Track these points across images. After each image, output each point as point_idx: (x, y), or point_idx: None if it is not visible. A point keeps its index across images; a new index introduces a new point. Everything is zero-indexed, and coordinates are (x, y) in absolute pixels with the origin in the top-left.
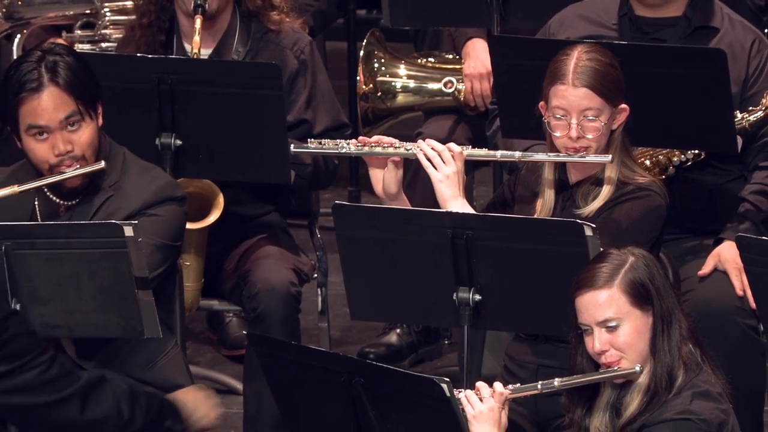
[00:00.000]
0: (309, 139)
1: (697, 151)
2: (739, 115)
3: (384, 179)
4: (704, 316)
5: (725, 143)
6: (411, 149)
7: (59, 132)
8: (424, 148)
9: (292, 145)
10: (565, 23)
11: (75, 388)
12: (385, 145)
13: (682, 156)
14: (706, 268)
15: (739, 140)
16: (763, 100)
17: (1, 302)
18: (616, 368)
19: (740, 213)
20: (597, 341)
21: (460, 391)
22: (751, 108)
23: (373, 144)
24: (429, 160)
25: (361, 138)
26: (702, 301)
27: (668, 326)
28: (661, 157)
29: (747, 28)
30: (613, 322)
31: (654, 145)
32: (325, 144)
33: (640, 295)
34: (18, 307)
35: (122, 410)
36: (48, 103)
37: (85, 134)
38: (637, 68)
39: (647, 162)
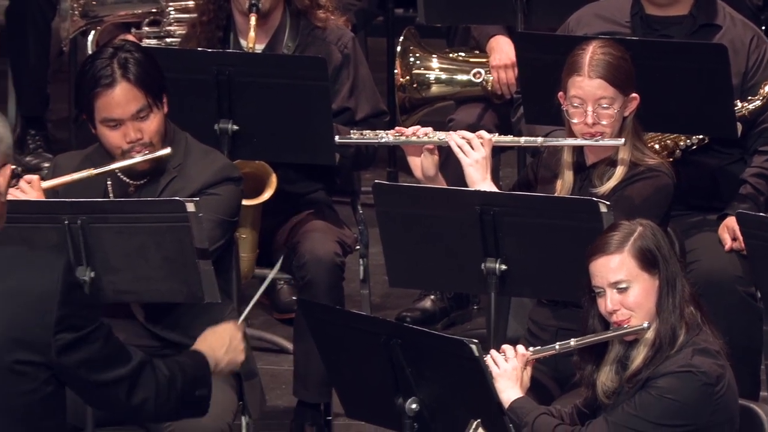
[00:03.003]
0: (351, 130)
1: (701, 136)
2: (740, 104)
3: (422, 164)
4: (708, 283)
5: (726, 129)
6: (443, 137)
7: (130, 122)
8: (455, 137)
9: (337, 137)
10: (582, 21)
11: (126, 371)
12: (420, 134)
13: (688, 140)
14: (728, 244)
15: (739, 126)
16: (761, 91)
17: (68, 274)
18: (626, 326)
19: (742, 194)
20: (609, 302)
21: (486, 354)
22: (750, 97)
23: (409, 134)
24: (460, 147)
25: (398, 128)
26: (705, 270)
27: (672, 289)
28: (669, 141)
29: (747, 25)
30: (624, 284)
31: (662, 131)
32: (366, 134)
33: (647, 260)
34: (93, 275)
35: (160, 396)
36: (120, 98)
37: (153, 123)
38: (647, 61)
39: (656, 146)
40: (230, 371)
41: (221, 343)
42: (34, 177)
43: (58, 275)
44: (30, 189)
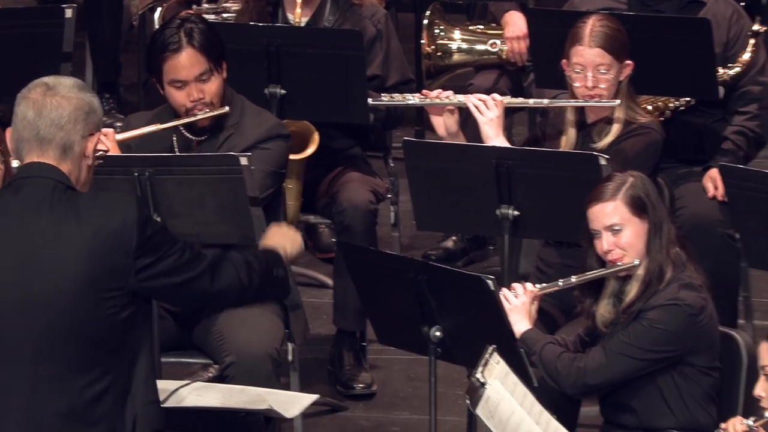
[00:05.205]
0: (382, 94)
1: (687, 99)
2: (721, 71)
3: (446, 122)
4: (693, 226)
5: (710, 92)
6: (462, 99)
7: (194, 83)
8: (472, 99)
9: (370, 99)
10: None
11: (204, 266)
12: (442, 97)
13: (676, 102)
14: (711, 192)
15: (721, 90)
16: (740, 59)
17: (142, 210)
18: (619, 264)
19: (723, 149)
20: (605, 243)
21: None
22: (730, 64)
23: (432, 97)
24: (476, 107)
25: (424, 91)
26: (691, 215)
27: (660, 231)
28: (660, 103)
29: (728, 2)
30: (617, 227)
31: (654, 94)
32: (396, 97)
33: (637, 206)
34: (159, 219)
35: (242, 278)
36: (186, 62)
37: (213, 85)
38: (640, 33)
39: (649, 107)
40: (298, 256)
41: (279, 236)
42: (110, 130)
43: (132, 208)
44: (106, 140)
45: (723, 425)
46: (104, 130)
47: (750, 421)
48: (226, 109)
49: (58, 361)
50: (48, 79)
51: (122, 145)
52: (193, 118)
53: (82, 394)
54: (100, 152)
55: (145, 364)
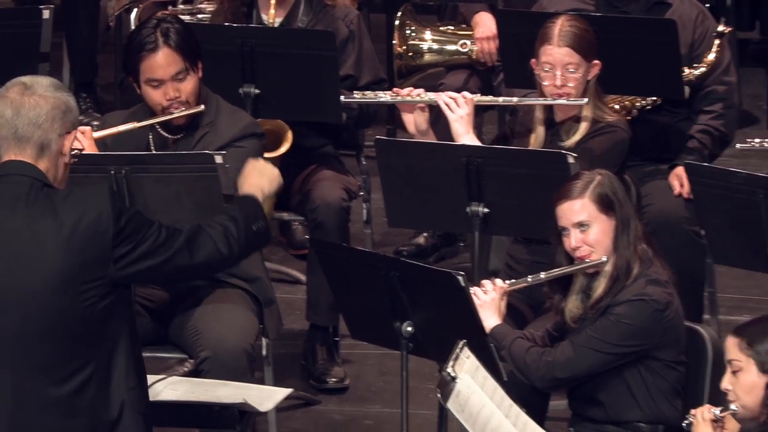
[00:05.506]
0: (355, 92)
1: (654, 98)
2: (687, 71)
3: (415, 120)
4: (659, 223)
5: (676, 92)
6: (433, 97)
7: (170, 82)
8: (443, 96)
9: (343, 96)
10: (553, 0)
11: (180, 242)
12: (414, 95)
13: (643, 101)
14: (676, 189)
15: (687, 89)
16: (705, 59)
17: (115, 200)
18: (587, 260)
19: (689, 147)
20: (573, 239)
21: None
22: (696, 65)
23: (404, 94)
24: (447, 105)
25: (395, 89)
26: (657, 212)
27: (627, 228)
28: (627, 102)
29: (693, 3)
30: (585, 224)
31: (621, 93)
32: (368, 95)
33: (605, 203)
34: None
35: (220, 247)
36: (162, 61)
37: (189, 84)
38: (608, 34)
39: (617, 106)
40: (277, 190)
41: (256, 174)
42: (87, 128)
43: (105, 199)
44: (83, 138)
45: (693, 411)
46: (81, 128)
47: (717, 411)
48: (202, 107)
49: (39, 356)
50: (25, 79)
51: (99, 143)
52: (169, 116)
53: (65, 385)
54: (76, 150)
55: (126, 351)
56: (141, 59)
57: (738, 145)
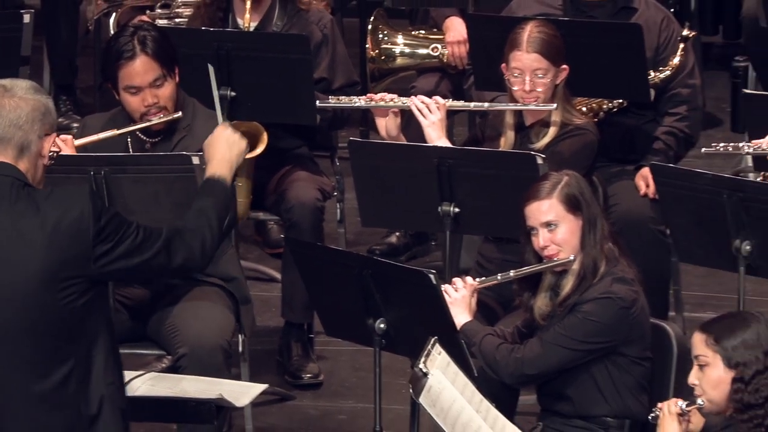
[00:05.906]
0: (330, 96)
1: (620, 101)
2: (652, 74)
3: (387, 125)
4: (625, 223)
5: (641, 94)
6: (406, 102)
7: (148, 89)
8: (415, 102)
9: (318, 101)
10: (522, 4)
11: (159, 245)
12: (387, 99)
13: (610, 104)
14: (642, 190)
15: (652, 92)
16: (670, 63)
17: (96, 200)
18: (555, 259)
19: (655, 148)
20: (541, 239)
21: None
22: (661, 68)
23: (377, 99)
24: (419, 111)
25: (369, 95)
26: (624, 211)
27: (593, 228)
28: (594, 104)
29: (659, 8)
30: (553, 224)
31: (588, 96)
32: (342, 99)
33: (572, 203)
34: None
35: (194, 249)
36: (140, 68)
37: (167, 90)
38: (575, 38)
39: (584, 108)
40: (243, 158)
41: (222, 147)
42: (68, 137)
43: (86, 198)
44: (65, 146)
45: (659, 405)
46: (63, 136)
47: (683, 404)
48: (179, 114)
49: (23, 351)
50: (5, 82)
51: (79, 148)
52: (147, 124)
53: (46, 380)
54: (53, 152)
55: (105, 347)
56: (119, 67)
57: (703, 149)
